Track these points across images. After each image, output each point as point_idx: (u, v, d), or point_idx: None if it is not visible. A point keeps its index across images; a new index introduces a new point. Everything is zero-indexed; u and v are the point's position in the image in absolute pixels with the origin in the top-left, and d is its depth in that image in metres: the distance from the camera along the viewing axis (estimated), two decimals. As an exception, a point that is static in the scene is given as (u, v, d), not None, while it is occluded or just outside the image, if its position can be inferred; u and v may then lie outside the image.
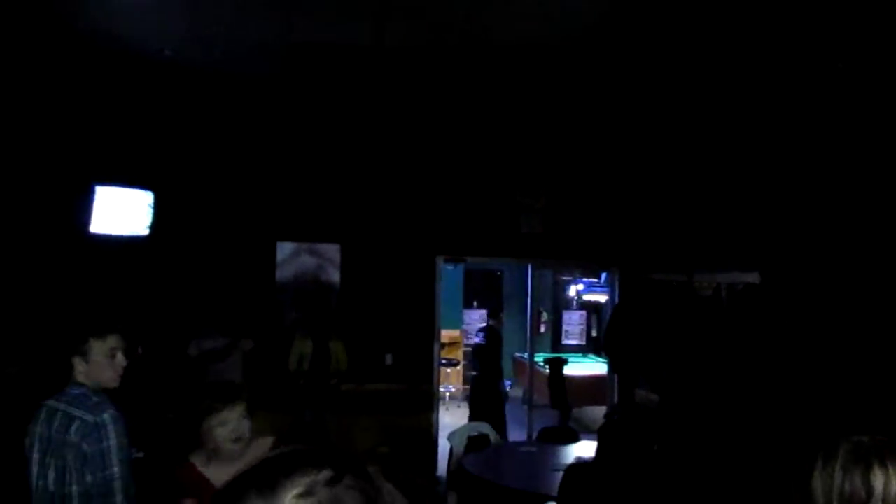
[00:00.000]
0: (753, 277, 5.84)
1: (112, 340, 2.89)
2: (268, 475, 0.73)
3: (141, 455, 5.09)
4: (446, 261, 7.54)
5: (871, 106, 4.81)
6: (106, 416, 2.79)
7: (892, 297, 4.55)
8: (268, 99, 6.44)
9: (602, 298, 11.03)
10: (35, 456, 2.85)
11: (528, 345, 8.83)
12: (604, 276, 10.01)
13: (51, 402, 2.89)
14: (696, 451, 5.29)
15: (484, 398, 7.92)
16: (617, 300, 7.99)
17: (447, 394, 10.54)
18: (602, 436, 4.11)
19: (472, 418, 7.63)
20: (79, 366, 2.88)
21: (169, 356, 6.03)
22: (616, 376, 7.85)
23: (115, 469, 2.76)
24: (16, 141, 5.73)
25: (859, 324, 4.71)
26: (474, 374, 8.38)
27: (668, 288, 6.93)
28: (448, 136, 7.13)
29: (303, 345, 6.45)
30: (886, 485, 1.57)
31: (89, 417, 2.78)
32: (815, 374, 4.90)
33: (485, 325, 8.72)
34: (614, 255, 7.74)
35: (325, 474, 0.73)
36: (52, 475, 2.82)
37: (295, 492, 0.71)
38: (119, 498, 2.77)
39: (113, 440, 2.77)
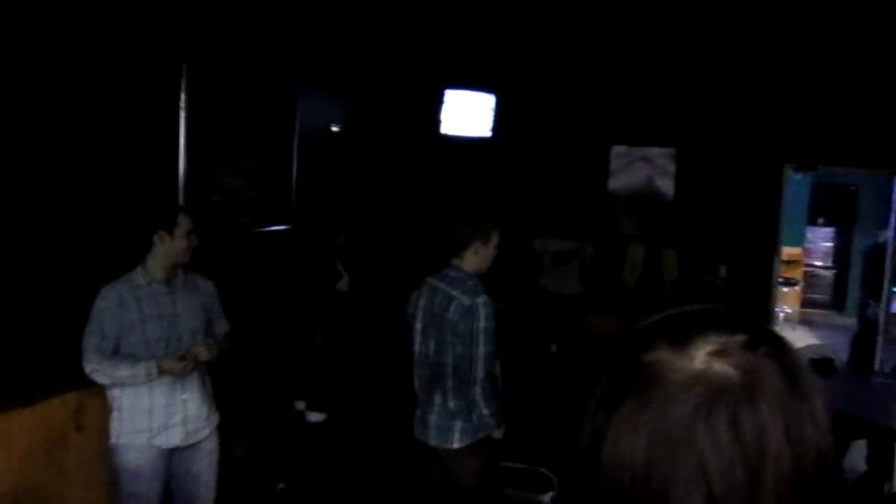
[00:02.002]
0: None
1: (498, 235, 3.20)
2: (681, 328, 0.70)
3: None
4: (794, 169, 6.86)
5: None
6: (480, 299, 3.09)
7: None
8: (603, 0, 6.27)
9: None
10: (418, 326, 3.28)
11: (888, 271, 7.78)
12: None
13: (432, 280, 3.27)
14: None
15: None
16: None
17: (781, 314, 9.80)
18: None
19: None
20: (474, 252, 3.19)
21: (512, 252, 6.44)
22: None
23: (482, 348, 3.06)
24: (382, 53, 6.35)
25: None
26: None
27: None
28: (799, 28, 6.33)
29: (635, 252, 6.42)
30: None
31: (466, 300, 3.09)
32: None
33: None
34: None
35: (742, 338, 0.68)
36: (432, 344, 3.22)
37: (709, 349, 0.67)
38: (481, 374, 3.08)
39: (483, 322, 3.06)
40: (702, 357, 0.67)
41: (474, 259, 3.18)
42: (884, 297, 7.29)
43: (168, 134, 4.17)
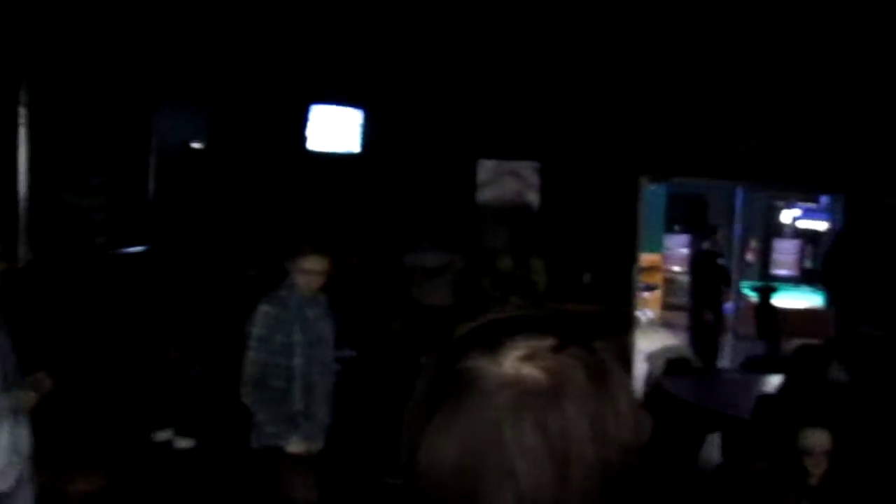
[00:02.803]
0: None
1: (303, 259, 3.18)
2: (492, 334, 0.72)
3: (353, 354, 5.55)
4: (650, 180, 7.25)
5: None
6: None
7: None
8: (468, 16, 6.42)
9: (821, 226, 10.16)
10: None
11: (734, 272, 8.37)
12: (824, 200, 9.18)
13: None
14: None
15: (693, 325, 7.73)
16: (840, 227, 7.30)
17: (644, 318, 10.30)
18: (788, 369, 3.96)
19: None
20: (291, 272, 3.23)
21: (382, 267, 6.41)
22: (836, 310, 7.25)
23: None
24: (245, 68, 6.20)
25: None
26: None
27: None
28: (653, 48, 6.74)
29: (503, 263, 6.56)
30: None
31: (283, 315, 3.13)
32: None
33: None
34: (840, 177, 7.02)
35: (550, 341, 0.70)
36: None
37: (518, 353, 0.68)
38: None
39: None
40: (511, 361, 0.68)
41: (293, 279, 3.23)
42: (731, 297, 7.83)
43: (6, 152, 3.88)
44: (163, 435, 5.12)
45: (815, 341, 7.45)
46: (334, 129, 6.53)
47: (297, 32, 6.40)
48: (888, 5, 5.38)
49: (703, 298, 7.65)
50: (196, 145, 5.82)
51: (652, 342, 8.89)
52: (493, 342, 0.70)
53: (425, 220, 6.73)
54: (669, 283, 11.45)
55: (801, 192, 9.73)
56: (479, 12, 6.36)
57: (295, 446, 3.15)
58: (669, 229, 11.49)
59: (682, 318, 11.24)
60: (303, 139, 6.38)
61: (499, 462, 0.65)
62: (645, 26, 6.45)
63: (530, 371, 0.68)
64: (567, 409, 0.67)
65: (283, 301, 3.15)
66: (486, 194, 7.12)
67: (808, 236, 11.13)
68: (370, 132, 6.67)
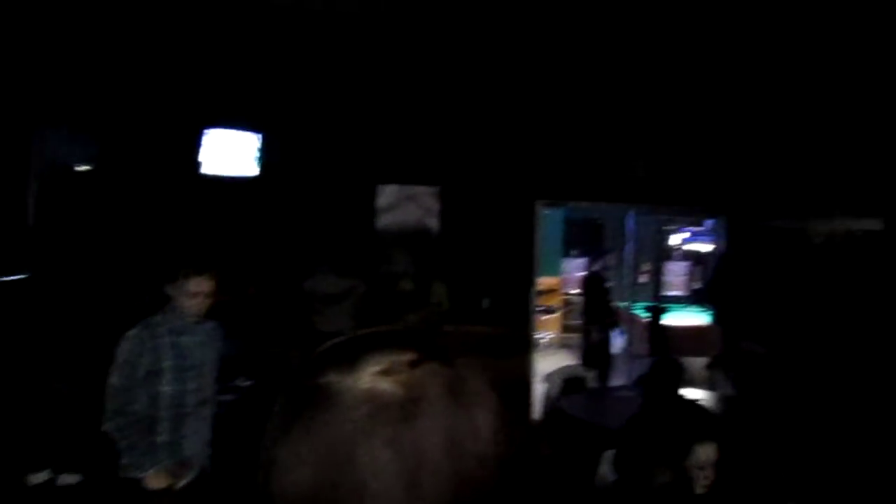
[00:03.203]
0: (875, 224, 5.49)
1: (190, 284, 3.09)
2: (348, 351, 0.72)
3: (249, 383, 5.39)
4: (546, 205, 7.45)
5: None
6: (161, 341, 3.03)
7: None
8: (365, 41, 6.46)
9: (706, 248, 10.67)
10: None
11: (626, 291, 8.69)
12: (709, 223, 9.66)
13: None
14: (805, 406, 5.10)
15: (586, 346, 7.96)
16: (723, 248, 7.70)
17: (542, 340, 10.51)
18: (642, 386, 4.16)
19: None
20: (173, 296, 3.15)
21: (280, 294, 6.28)
22: (721, 327, 7.62)
23: (164, 388, 3.02)
24: (137, 85, 6.00)
25: None
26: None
27: (781, 235, 6.61)
28: (547, 76, 6.96)
29: (404, 287, 6.56)
30: None
31: (151, 340, 3.07)
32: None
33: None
34: (722, 201, 7.43)
35: (409, 356, 0.70)
36: None
37: (375, 368, 0.69)
38: (165, 413, 3.03)
39: (168, 361, 3.01)
40: (368, 376, 0.68)
41: (174, 302, 3.16)
42: (619, 319, 8.08)
43: None
44: (39, 477, 4.79)
45: (703, 357, 7.85)
46: (230, 153, 6.39)
47: (193, 54, 6.25)
48: (768, 33, 5.75)
49: (592, 318, 7.91)
50: (82, 168, 5.58)
51: (550, 363, 9.07)
52: (352, 358, 0.70)
53: (325, 245, 6.66)
54: (568, 305, 11.75)
55: (687, 215, 10.20)
56: (376, 38, 6.41)
57: (153, 479, 2.99)
58: (568, 253, 11.82)
59: (580, 338, 11.55)
60: (197, 163, 6.21)
61: (352, 478, 0.65)
62: (538, 54, 6.66)
63: (386, 385, 0.67)
64: (421, 422, 0.67)
65: (155, 326, 3.03)
66: (386, 219, 7.12)
67: (696, 258, 11.66)
68: (268, 156, 6.56)
